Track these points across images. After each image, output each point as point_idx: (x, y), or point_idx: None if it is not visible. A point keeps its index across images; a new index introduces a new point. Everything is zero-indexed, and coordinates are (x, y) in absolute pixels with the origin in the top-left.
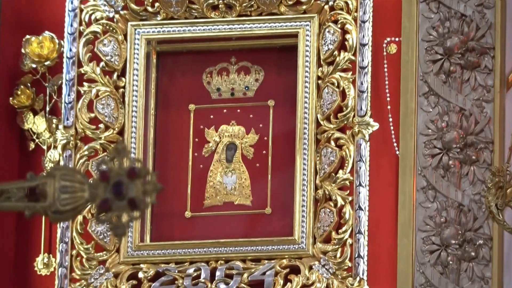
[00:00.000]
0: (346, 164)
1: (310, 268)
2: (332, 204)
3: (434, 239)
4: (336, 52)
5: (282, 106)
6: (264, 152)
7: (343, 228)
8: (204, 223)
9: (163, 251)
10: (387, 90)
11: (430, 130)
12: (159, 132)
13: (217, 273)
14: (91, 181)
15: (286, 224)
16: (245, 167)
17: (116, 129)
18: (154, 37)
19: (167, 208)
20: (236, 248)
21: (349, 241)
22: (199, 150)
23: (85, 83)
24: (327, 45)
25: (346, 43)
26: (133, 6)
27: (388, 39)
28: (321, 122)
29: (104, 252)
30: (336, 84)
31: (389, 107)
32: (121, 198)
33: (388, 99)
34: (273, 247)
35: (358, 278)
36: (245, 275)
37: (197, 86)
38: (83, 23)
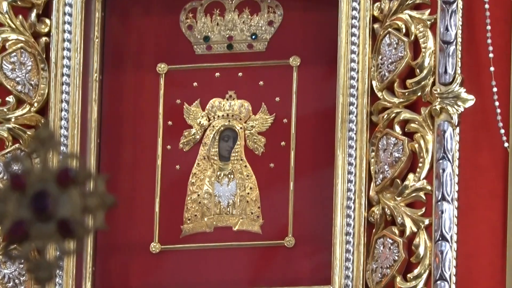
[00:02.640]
0: (420, 165)
1: None
2: (397, 232)
3: None
4: None
5: (313, 66)
6: (282, 143)
7: (415, 272)
8: (182, 262)
9: None
10: (489, 41)
11: None
12: (107, 110)
13: None
14: None
15: (319, 265)
16: (250, 168)
17: (36, 104)
18: None
19: (122, 237)
20: None
21: None
22: (174, 141)
23: None
24: None
25: None
26: None
27: None
28: (378, 94)
29: None
30: (403, 30)
31: (492, 68)
32: (46, 218)
33: (491, 55)
34: None
35: None
36: None
37: (170, 34)
38: None
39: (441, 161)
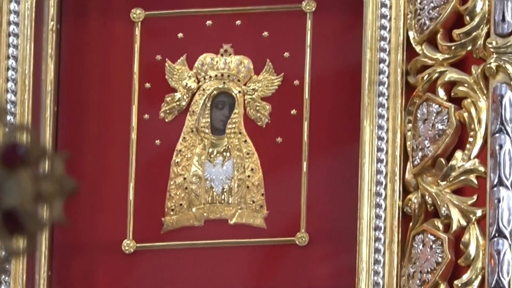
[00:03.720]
0: (470, 140)
1: None
2: (441, 226)
3: None
4: None
5: (332, 12)
6: (293, 112)
7: (464, 277)
8: (163, 264)
9: None
10: None
11: None
12: (66, 69)
13: None
14: None
15: (340, 268)
16: (252, 144)
17: None
18: None
19: (86, 233)
20: None
21: None
22: (153, 108)
23: None
24: None
25: None
26: None
27: None
28: (417, 49)
29: None
30: None
31: None
32: None
33: None
34: None
35: None
36: None
37: None
38: None
39: (497, 134)
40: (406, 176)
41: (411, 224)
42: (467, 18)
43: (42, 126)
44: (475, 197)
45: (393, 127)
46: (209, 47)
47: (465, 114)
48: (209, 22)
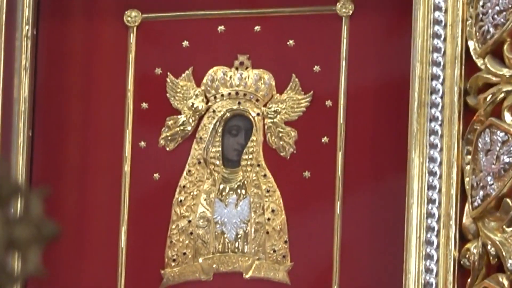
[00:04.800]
0: None
1: None
2: (506, 282)
3: None
4: None
5: (373, 17)
6: (324, 139)
7: None
8: None
9: None
10: None
11: None
12: (44, 84)
13: None
14: None
15: None
16: (273, 180)
17: None
18: None
19: (71, 286)
20: None
21: None
22: (151, 134)
23: None
24: None
25: None
26: None
27: None
28: (478, 63)
29: None
30: None
31: None
32: None
33: None
34: None
35: None
36: None
37: None
38: None
39: None
40: (464, 220)
41: (469, 280)
42: None
43: (14, 155)
44: None
45: (448, 160)
46: (221, 59)
47: None
48: (221, 28)
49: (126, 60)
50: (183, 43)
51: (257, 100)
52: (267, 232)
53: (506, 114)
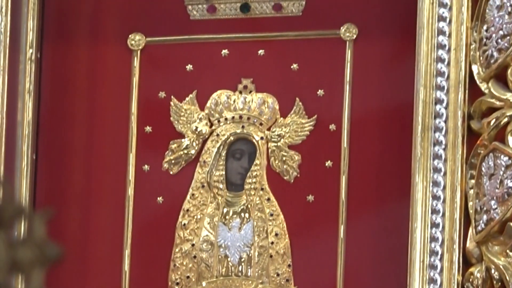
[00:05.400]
0: None
1: None
2: None
3: None
4: None
5: (377, 41)
6: (328, 163)
7: None
8: None
9: None
10: None
11: None
12: (47, 108)
13: None
14: None
15: None
16: (277, 204)
17: None
18: None
19: None
20: None
21: None
22: (155, 158)
23: None
24: None
25: None
26: None
27: None
28: (482, 87)
29: None
30: None
31: None
32: None
33: None
34: None
35: None
36: None
37: None
38: None
39: None
40: (468, 244)
41: None
42: None
43: (18, 178)
44: None
45: (451, 184)
46: (224, 83)
47: None
48: (225, 52)
49: (129, 84)
50: (187, 66)
51: (261, 124)
52: (271, 256)
53: (510, 139)
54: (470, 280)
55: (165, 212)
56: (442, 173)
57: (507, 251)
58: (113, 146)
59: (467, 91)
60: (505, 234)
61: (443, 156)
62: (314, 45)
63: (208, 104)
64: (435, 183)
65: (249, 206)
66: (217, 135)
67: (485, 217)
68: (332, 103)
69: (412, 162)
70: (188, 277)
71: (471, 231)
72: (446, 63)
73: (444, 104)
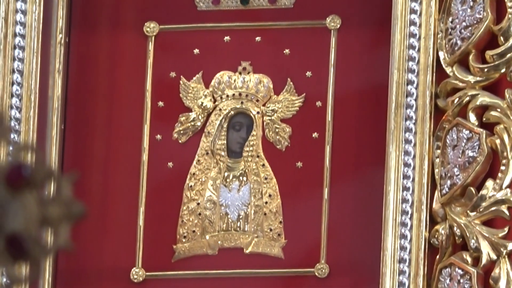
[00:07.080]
0: (502, 168)
1: None
2: (470, 259)
3: None
4: None
5: (358, 30)
6: (314, 135)
7: None
8: None
9: None
10: None
11: None
12: (74, 85)
13: None
14: None
15: None
16: (270, 169)
17: None
18: None
19: (92, 260)
20: None
21: None
22: (166, 129)
23: None
24: None
25: None
26: None
27: None
28: (447, 70)
29: None
30: None
31: None
32: None
33: None
34: None
35: None
36: None
37: None
38: None
39: None
40: (434, 205)
41: (437, 256)
42: (501, 38)
43: (48, 146)
44: (506, 229)
45: (420, 153)
46: (226, 65)
47: (497, 141)
48: (227, 38)
49: (145, 65)
50: (194, 50)
51: (257, 100)
52: (265, 214)
53: (471, 115)
54: (436, 236)
55: (175, 176)
56: (412, 144)
57: (468, 211)
58: (130, 118)
59: (434, 74)
60: (466, 197)
61: (413, 130)
62: (303, 33)
63: (212, 83)
64: (406, 153)
65: (246, 171)
66: (220, 109)
67: (449, 182)
68: (318, 83)
69: (387, 134)
70: (194, 231)
71: (437, 194)
72: (416, 49)
73: (415, 85)
